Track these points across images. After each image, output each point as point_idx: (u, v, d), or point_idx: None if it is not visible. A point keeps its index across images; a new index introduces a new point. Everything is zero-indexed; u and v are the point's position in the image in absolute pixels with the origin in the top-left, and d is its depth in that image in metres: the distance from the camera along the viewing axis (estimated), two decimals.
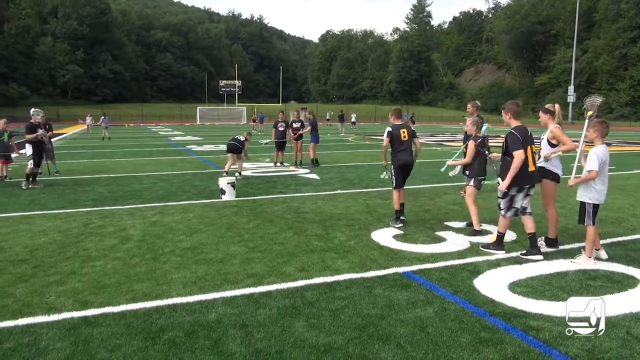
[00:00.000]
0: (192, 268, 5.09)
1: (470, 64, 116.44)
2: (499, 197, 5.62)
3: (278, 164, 14.64)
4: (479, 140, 6.47)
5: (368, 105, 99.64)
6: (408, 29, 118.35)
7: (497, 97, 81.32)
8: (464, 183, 6.84)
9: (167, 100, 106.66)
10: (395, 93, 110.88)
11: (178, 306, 4.11)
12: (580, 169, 5.39)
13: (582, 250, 5.36)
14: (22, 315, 3.91)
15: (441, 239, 6.22)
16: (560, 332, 3.62)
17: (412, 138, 7.08)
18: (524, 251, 5.55)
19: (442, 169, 8.32)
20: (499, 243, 5.68)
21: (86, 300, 4.22)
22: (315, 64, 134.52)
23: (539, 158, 5.81)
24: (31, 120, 11.20)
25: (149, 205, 8.51)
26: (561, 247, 5.83)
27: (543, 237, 5.90)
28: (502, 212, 5.57)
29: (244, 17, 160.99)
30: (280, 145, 14.72)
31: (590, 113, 5.60)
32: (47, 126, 12.40)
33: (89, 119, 36.79)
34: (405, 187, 7.22)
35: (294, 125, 14.85)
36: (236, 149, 11.84)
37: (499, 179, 5.57)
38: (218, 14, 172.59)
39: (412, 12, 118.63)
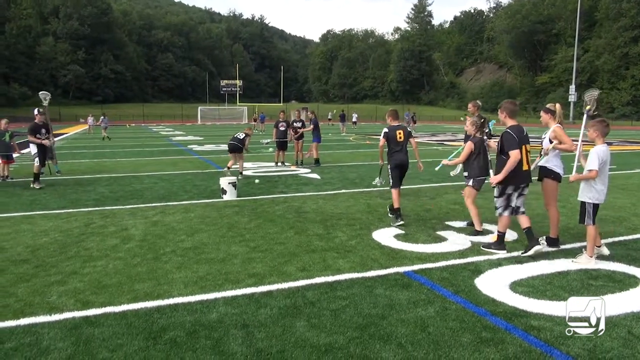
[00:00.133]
0: (194, 268, 5.10)
1: (471, 63, 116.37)
2: (495, 197, 5.66)
3: (279, 164, 14.64)
4: (477, 141, 6.46)
5: (369, 105, 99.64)
6: (409, 29, 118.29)
7: (498, 97, 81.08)
8: (465, 183, 6.84)
9: (168, 100, 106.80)
10: (396, 93, 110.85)
11: (179, 306, 4.11)
12: (580, 169, 5.40)
13: (583, 249, 5.36)
14: (23, 315, 3.92)
15: (442, 239, 6.22)
16: (562, 332, 3.62)
17: (408, 139, 7.19)
18: (524, 250, 5.55)
19: (437, 168, 8.40)
20: (500, 243, 5.68)
21: (87, 300, 4.23)
22: (316, 63, 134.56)
23: (541, 156, 5.81)
24: (35, 120, 11.17)
25: (150, 205, 8.51)
26: (562, 247, 5.82)
27: (544, 237, 5.90)
28: (500, 210, 5.60)
29: (245, 17, 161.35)
30: (282, 145, 14.72)
31: (588, 107, 5.63)
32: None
33: (90, 119, 36.84)
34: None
35: (295, 125, 14.86)
36: (237, 148, 11.83)
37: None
38: (219, 14, 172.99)
39: (413, 12, 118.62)
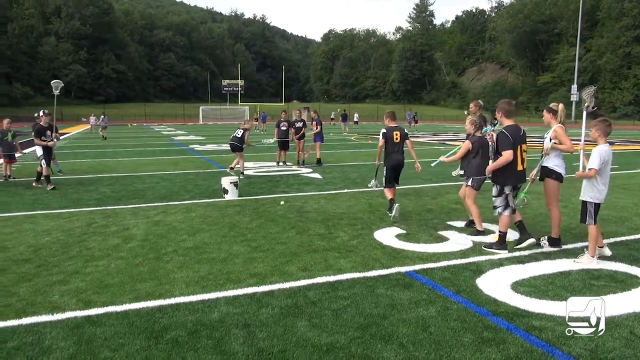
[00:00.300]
0: (195, 267, 5.10)
1: (473, 63, 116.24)
2: (493, 196, 5.69)
3: (281, 164, 14.65)
4: (475, 140, 6.44)
5: (370, 105, 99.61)
6: (411, 28, 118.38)
7: (500, 96, 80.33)
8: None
9: (170, 100, 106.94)
10: (398, 92, 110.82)
11: (181, 305, 4.12)
12: (584, 168, 5.40)
13: (585, 249, 5.35)
14: (25, 315, 3.93)
15: (444, 239, 6.22)
16: (563, 332, 3.61)
17: (404, 140, 7.44)
18: (517, 240, 5.73)
19: (433, 164, 8.44)
20: (502, 242, 5.68)
21: (89, 300, 4.24)
22: (318, 63, 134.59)
23: (542, 156, 5.81)
24: (41, 123, 11.13)
25: (151, 204, 8.53)
26: (564, 247, 5.81)
27: (546, 237, 5.89)
28: (499, 210, 5.65)
29: (246, 16, 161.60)
30: (283, 145, 14.73)
31: (586, 104, 5.64)
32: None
33: (92, 119, 36.87)
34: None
35: (296, 125, 14.86)
36: (236, 148, 11.85)
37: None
38: (221, 13, 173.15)
39: (414, 11, 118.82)
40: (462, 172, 6.77)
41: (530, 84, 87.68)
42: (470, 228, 6.65)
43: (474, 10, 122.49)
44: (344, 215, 7.62)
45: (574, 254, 5.50)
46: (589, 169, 5.06)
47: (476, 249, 5.78)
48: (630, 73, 68.04)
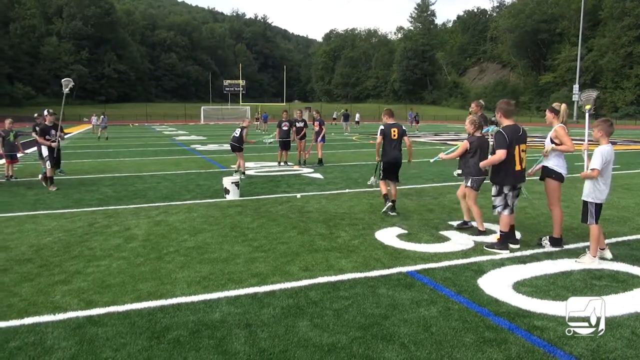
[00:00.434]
0: (197, 267, 5.11)
1: (474, 62, 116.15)
2: (493, 196, 5.71)
3: (282, 164, 14.65)
4: (474, 140, 6.43)
5: (372, 105, 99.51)
6: (412, 28, 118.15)
7: (502, 96, 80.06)
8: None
9: (171, 100, 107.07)
10: (399, 92, 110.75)
11: (182, 305, 4.12)
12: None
13: (586, 249, 5.35)
14: (27, 315, 3.94)
15: (445, 239, 6.22)
16: (564, 332, 3.61)
17: (402, 137, 7.53)
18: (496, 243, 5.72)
19: (432, 160, 8.48)
20: (503, 242, 5.68)
21: (91, 300, 4.25)
22: (319, 63, 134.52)
23: (545, 155, 5.80)
24: (45, 122, 11.13)
25: (153, 204, 8.53)
26: (566, 247, 5.81)
27: (547, 237, 5.88)
28: (499, 209, 5.66)
29: (247, 16, 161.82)
30: (284, 145, 14.73)
31: (588, 107, 5.62)
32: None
33: (94, 119, 36.89)
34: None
35: (297, 125, 14.87)
36: (236, 148, 11.87)
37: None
38: (222, 13, 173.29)
39: (416, 11, 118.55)
40: (457, 171, 6.75)
41: (531, 84, 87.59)
42: (463, 229, 6.61)
43: (475, 10, 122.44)
44: (346, 215, 7.62)
45: (576, 254, 5.50)
46: (592, 169, 5.05)
47: (477, 249, 5.77)
48: (632, 73, 67.90)
